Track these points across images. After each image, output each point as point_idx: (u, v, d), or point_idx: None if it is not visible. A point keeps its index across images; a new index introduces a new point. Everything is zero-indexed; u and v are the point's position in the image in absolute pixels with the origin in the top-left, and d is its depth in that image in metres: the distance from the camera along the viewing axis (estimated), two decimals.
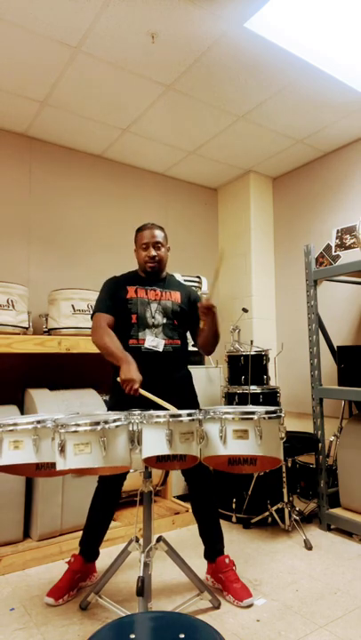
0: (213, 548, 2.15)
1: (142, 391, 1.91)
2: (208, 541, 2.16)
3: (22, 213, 3.36)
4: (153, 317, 2.15)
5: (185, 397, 2.19)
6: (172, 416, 1.62)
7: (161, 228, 2.25)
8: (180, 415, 1.63)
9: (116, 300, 2.18)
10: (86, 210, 3.65)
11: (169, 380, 2.14)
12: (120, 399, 2.15)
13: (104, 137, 3.45)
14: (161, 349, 2.12)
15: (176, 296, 2.25)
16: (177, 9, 2.24)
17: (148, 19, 2.30)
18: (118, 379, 1.94)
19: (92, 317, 2.21)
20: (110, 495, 2.16)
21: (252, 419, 1.65)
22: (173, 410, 1.82)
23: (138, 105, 3.05)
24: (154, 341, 2.12)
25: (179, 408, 1.85)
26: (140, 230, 2.25)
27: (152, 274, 2.23)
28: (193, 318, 2.26)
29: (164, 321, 2.17)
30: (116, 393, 2.21)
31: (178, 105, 3.06)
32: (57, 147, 3.55)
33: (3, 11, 2.23)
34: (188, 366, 2.31)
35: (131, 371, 1.92)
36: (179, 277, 3.54)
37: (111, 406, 2.21)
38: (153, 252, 2.19)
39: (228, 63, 2.64)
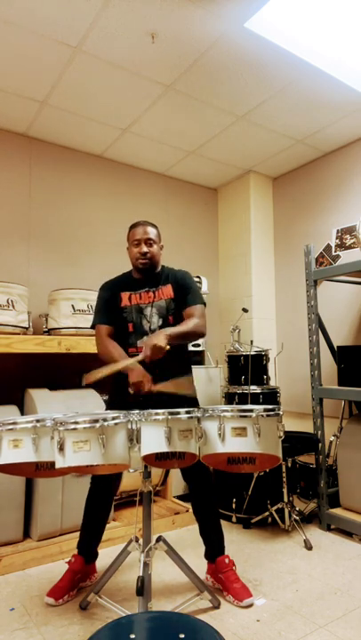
0: (214, 548, 2.15)
1: (156, 387, 1.90)
2: (208, 542, 2.16)
3: (22, 213, 3.36)
4: (149, 322, 2.12)
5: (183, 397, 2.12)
6: (171, 413, 1.63)
7: (154, 226, 2.21)
8: (178, 413, 1.64)
9: (112, 307, 2.17)
10: (86, 210, 3.65)
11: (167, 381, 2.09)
12: (118, 400, 2.15)
13: (104, 137, 3.45)
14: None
15: (168, 291, 2.18)
16: (177, 9, 2.24)
17: (148, 19, 2.30)
18: (130, 387, 1.94)
19: (92, 327, 2.22)
20: (103, 496, 2.15)
21: (250, 416, 1.65)
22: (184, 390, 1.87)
23: (138, 105, 3.05)
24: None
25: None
26: (132, 227, 2.21)
27: (145, 272, 2.18)
28: (178, 296, 2.17)
29: (160, 322, 2.12)
30: (114, 394, 2.21)
31: (178, 105, 3.06)
32: (57, 147, 3.55)
33: (3, 10, 2.23)
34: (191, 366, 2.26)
35: (139, 374, 1.93)
36: None
37: (109, 407, 2.21)
38: (144, 249, 2.14)
39: (228, 63, 2.64)
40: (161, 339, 1.87)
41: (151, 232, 2.17)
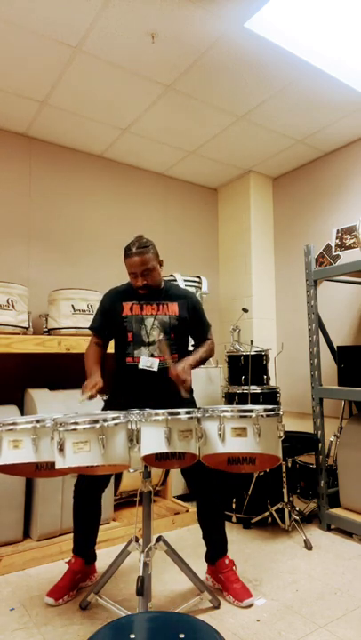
0: (216, 550, 2.13)
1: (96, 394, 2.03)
2: (210, 545, 2.14)
3: (22, 213, 3.36)
4: (148, 335, 2.12)
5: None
6: (171, 414, 1.63)
7: (148, 246, 2.09)
8: (178, 413, 1.64)
9: (111, 317, 2.19)
10: (86, 210, 3.65)
11: (166, 397, 2.06)
12: (114, 401, 2.15)
13: (104, 137, 3.45)
14: (156, 369, 2.08)
15: (173, 308, 2.17)
16: (177, 9, 2.24)
17: (148, 19, 2.30)
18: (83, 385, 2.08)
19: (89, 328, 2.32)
20: (91, 492, 2.12)
21: (250, 416, 1.65)
22: None
23: (138, 105, 3.05)
24: (148, 361, 2.09)
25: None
26: (127, 255, 2.09)
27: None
28: (193, 324, 2.24)
29: (161, 337, 2.12)
30: (111, 394, 2.22)
31: (178, 105, 3.06)
32: (57, 147, 3.55)
33: (3, 10, 2.23)
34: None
35: (91, 380, 2.06)
36: (179, 279, 3.54)
37: (105, 407, 2.21)
38: (142, 283, 2.10)
39: (228, 63, 2.64)
40: (184, 370, 2.03)
41: (148, 261, 2.07)
